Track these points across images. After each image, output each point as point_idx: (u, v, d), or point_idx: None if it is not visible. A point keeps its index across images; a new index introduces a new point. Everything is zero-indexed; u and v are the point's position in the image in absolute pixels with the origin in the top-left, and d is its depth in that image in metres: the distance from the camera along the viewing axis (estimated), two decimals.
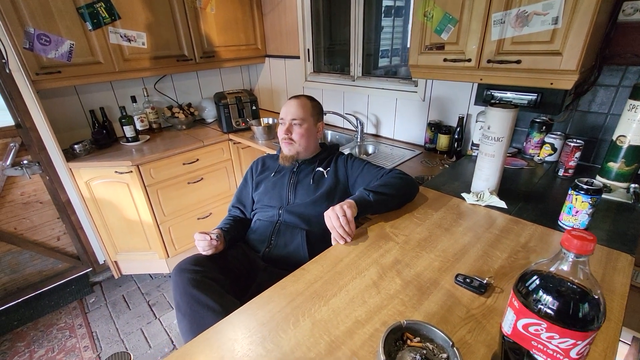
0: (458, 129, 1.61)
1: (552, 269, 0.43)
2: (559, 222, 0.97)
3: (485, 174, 1.10)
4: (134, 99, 2.22)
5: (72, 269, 2.26)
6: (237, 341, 0.66)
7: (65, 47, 1.74)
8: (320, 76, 2.33)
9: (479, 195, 1.12)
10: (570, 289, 0.42)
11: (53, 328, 1.91)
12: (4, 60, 1.72)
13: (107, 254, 2.15)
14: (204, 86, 2.65)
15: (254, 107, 2.30)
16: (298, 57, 2.37)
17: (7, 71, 1.75)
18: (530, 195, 1.17)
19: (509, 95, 1.24)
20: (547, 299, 0.43)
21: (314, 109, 1.28)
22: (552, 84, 1.06)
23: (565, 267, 0.42)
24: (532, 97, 1.18)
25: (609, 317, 0.65)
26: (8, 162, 1.85)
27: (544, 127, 1.38)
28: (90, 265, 2.31)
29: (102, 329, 1.89)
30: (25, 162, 1.92)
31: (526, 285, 0.46)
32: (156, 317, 1.95)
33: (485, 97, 1.29)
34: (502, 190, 1.14)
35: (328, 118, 2.35)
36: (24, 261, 2.07)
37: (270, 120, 2.25)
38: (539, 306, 0.43)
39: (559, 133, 1.36)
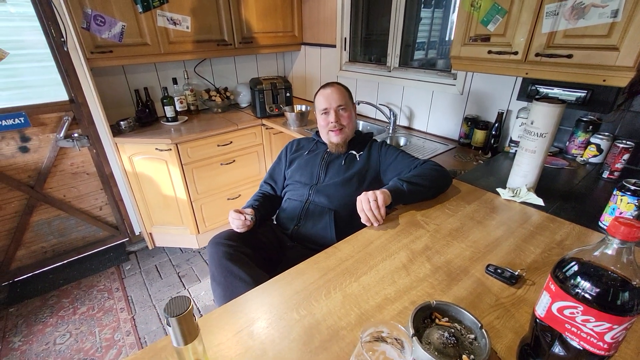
0: (496, 125, 1.57)
1: (595, 254, 0.44)
2: (600, 223, 0.94)
3: (524, 170, 1.08)
4: (175, 81, 2.32)
5: (111, 237, 2.44)
6: (273, 305, 0.70)
7: (118, 28, 1.84)
8: (355, 66, 2.33)
9: (515, 191, 1.10)
10: (609, 276, 0.42)
11: (94, 289, 2.07)
12: (63, 39, 1.86)
13: (144, 225, 2.29)
14: (240, 71, 2.72)
15: (288, 94, 2.35)
16: (334, 46, 2.38)
17: (65, 49, 1.89)
18: (569, 195, 1.13)
19: (555, 91, 1.19)
20: (585, 284, 0.43)
21: (349, 94, 1.33)
22: (604, 80, 1.01)
23: (609, 252, 0.42)
24: (581, 94, 1.13)
25: None
26: (61, 134, 2.01)
27: (590, 127, 1.32)
28: (127, 235, 2.48)
29: (136, 293, 2.04)
30: (75, 135, 2.08)
31: (563, 270, 0.47)
32: (185, 288, 2.06)
33: (529, 93, 1.25)
34: (540, 189, 1.11)
35: (360, 108, 2.35)
36: (70, 226, 2.25)
37: (303, 108, 2.29)
38: (577, 290, 0.44)
39: (606, 134, 1.29)
